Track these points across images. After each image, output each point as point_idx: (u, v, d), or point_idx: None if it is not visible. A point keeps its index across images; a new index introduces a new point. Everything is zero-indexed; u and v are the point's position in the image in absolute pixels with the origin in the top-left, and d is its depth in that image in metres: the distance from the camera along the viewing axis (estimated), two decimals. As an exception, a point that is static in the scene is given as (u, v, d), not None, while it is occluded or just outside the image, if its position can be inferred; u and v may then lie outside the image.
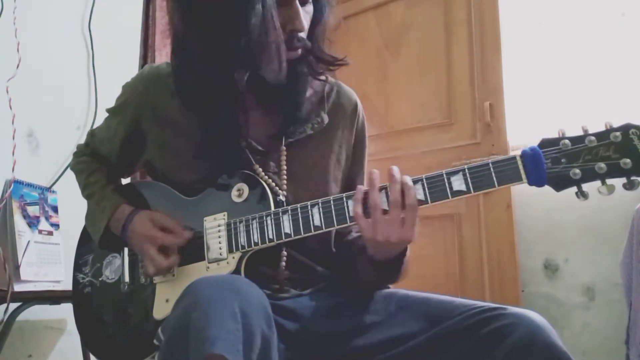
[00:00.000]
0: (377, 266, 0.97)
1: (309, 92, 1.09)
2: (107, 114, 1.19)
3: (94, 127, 1.99)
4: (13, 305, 1.50)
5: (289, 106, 1.05)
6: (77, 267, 1.19)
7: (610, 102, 2.10)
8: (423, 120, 2.56)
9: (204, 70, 0.98)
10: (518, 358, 0.81)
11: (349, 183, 1.13)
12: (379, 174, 0.91)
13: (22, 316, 1.52)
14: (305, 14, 0.99)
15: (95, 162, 1.21)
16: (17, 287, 1.51)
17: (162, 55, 2.41)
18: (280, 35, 0.95)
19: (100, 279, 1.14)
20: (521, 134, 2.27)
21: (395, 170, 0.90)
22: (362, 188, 0.92)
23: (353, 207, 0.90)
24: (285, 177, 1.05)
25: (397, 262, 0.97)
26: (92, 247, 1.17)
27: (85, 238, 1.20)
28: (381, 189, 0.90)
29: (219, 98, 1.00)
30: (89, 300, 1.15)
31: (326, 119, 1.10)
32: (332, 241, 1.11)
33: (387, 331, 0.95)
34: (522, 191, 2.26)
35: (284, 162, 1.05)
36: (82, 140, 1.26)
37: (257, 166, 1.04)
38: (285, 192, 1.03)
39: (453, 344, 0.88)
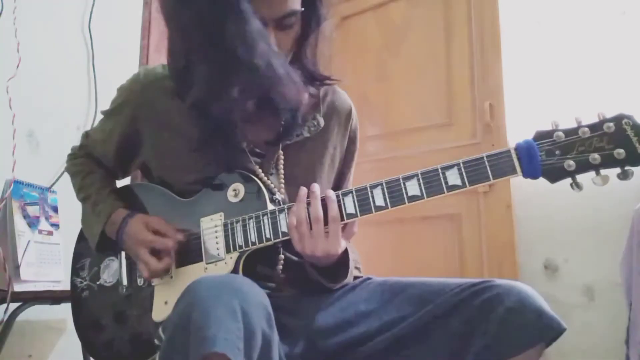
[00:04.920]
0: (321, 272, 1.00)
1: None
2: (102, 116, 1.19)
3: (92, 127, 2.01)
4: (13, 305, 1.50)
5: (287, 115, 1.05)
6: (75, 271, 1.19)
7: (610, 101, 2.10)
8: (423, 120, 2.56)
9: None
10: (510, 325, 0.82)
11: (335, 184, 1.16)
12: (306, 191, 0.95)
13: (22, 316, 1.51)
14: (285, 37, 0.96)
15: (90, 164, 1.20)
16: (17, 287, 1.51)
17: (160, 58, 2.41)
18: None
19: (98, 283, 1.14)
20: (521, 133, 2.25)
21: (315, 187, 0.95)
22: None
23: (288, 219, 0.94)
24: (283, 178, 1.06)
25: (340, 266, 1.00)
26: (88, 250, 1.17)
27: (81, 242, 1.20)
28: (308, 204, 0.94)
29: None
30: (87, 304, 1.15)
31: (322, 122, 1.10)
32: None
33: (382, 317, 0.95)
34: (522, 191, 2.26)
35: (282, 164, 1.06)
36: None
37: (256, 167, 1.05)
38: (283, 195, 1.04)
39: (447, 319, 0.89)
